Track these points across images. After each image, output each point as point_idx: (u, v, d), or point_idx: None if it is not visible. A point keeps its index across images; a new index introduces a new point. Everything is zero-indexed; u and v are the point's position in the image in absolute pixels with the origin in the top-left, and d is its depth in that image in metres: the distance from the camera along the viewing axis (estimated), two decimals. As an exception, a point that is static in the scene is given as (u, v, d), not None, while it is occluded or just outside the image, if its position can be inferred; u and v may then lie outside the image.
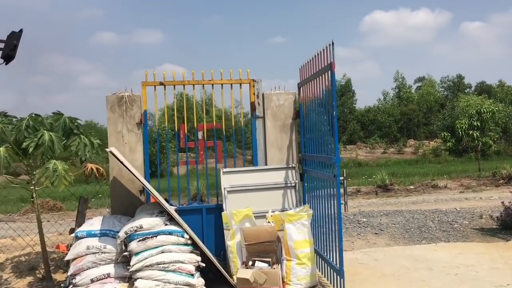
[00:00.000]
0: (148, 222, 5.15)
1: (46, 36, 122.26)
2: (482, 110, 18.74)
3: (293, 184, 6.33)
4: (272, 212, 5.93)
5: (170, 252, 5.10)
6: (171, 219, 5.31)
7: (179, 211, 6.01)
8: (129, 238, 5.13)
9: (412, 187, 17.14)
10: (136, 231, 5.10)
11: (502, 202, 8.66)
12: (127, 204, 6.05)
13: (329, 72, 4.99)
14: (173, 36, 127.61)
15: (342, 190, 5.28)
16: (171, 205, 6.19)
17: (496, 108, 19.15)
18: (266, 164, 6.50)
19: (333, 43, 4.84)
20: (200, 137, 6.50)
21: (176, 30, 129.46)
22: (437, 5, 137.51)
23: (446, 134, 18.77)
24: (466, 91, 65.56)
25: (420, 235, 8.35)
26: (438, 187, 16.68)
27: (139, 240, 5.08)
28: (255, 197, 6.24)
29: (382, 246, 7.55)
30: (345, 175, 5.21)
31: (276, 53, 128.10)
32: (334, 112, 4.94)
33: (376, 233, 8.67)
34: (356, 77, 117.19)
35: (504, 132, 38.87)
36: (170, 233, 5.16)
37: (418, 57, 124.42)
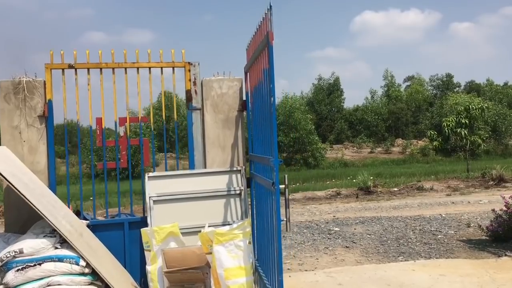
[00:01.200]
0: (31, 245, 3.91)
1: (35, 36, 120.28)
2: (470, 107, 17.63)
3: (238, 192, 5.11)
4: (209, 227, 4.70)
5: (59, 285, 3.86)
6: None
7: (92, 226, 4.76)
8: (6, 267, 3.88)
9: (396, 189, 16.02)
10: (14, 257, 3.85)
11: (493, 210, 7.51)
12: (25, 218, 4.77)
13: (267, 46, 3.73)
14: (162, 36, 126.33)
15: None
16: (84, 218, 4.95)
17: (486, 105, 18.01)
18: (205, 167, 5.27)
19: (271, 7, 3.60)
20: (121, 133, 5.22)
21: (166, 29, 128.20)
22: (427, 6, 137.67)
23: (433, 133, 17.64)
24: (455, 90, 64.93)
25: (398, 249, 7.17)
26: (423, 189, 15.59)
27: (18, 270, 3.83)
28: (189, 209, 5.01)
29: (351, 264, 6.36)
30: (286, 182, 3.95)
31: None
32: (272, 99, 3.70)
33: (347, 247, 7.48)
34: (347, 77, 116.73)
35: (493, 131, 38.06)
36: (60, 259, 3.91)
37: (407, 57, 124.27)
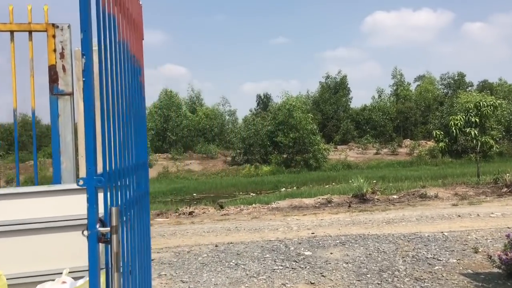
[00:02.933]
0: None
1: None
2: (481, 104, 15.62)
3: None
4: (69, 273, 2.86)
5: None
6: None
7: None
8: None
9: (395, 196, 14.09)
10: None
11: (508, 236, 5.60)
12: None
13: None
14: (174, 36, 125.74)
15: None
16: None
17: (499, 102, 15.97)
18: (78, 177, 3.45)
19: None
20: None
21: (178, 30, 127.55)
22: (439, 5, 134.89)
23: (439, 133, 15.62)
24: (467, 89, 62.50)
25: (377, 290, 5.29)
26: (426, 197, 13.65)
27: None
28: (36, 246, 3.19)
29: (305, 317, 4.50)
30: (114, 223, 2.13)
31: (279, 53, 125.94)
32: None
33: (312, 283, 5.62)
34: (358, 78, 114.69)
35: (507, 132, 35.82)
36: None
37: (419, 58, 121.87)
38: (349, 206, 12.92)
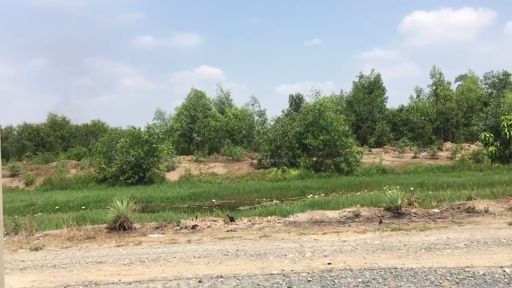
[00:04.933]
0: None
1: (88, 39, 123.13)
2: (540, 101, 13.21)
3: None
4: None
5: None
6: None
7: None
8: None
9: (436, 210, 11.91)
10: None
11: None
12: None
13: None
14: (210, 39, 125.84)
15: None
16: None
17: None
18: None
19: None
20: None
21: (213, 32, 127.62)
22: (481, 4, 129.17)
23: (488, 135, 13.28)
24: (513, 88, 58.51)
25: None
26: (474, 211, 11.42)
27: None
28: None
29: None
30: None
31: (314, 55, 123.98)
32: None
33: None
34: (394, 79, 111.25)
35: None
36: None
37: (458, 58, 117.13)
38: (380, 222, 10.85)
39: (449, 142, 46.16)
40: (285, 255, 7.49)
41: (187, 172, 33.40)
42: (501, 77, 63.37)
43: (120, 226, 10.78)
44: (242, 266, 6.89)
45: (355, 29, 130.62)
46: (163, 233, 10.54)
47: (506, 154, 25.47)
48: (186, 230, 10.92)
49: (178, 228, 11.20)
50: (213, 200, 23.40)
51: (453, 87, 65.23)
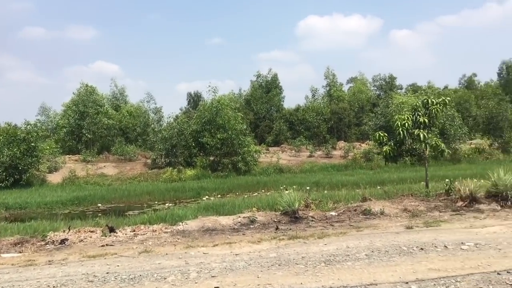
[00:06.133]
0: None
1: None
2: (429, 101, 13.39)
3: None
4: None
5: None
6: None
7: None
8: None
9: (334, 213, 11.39)
10: None
11: None
12: None
13: None
14: (106, 33, 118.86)
15: None
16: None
17: (448, 98, 13.82)
18: None
19: None
20: None
21: (110, 27, 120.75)
22: (369, 11, 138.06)
23: (382, 135, 13.14)
24: (399, 91, 62.79)
25: None
26: (371, 213, 11.07)
27: None
28: None
29: None
30: None
31: (215, 53, 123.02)
32: None
33: None
34: (291, 80, 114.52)
35: (441, 134, 34.89)
36: None
37: (350, 62, 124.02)
38: (277, 228, 10.02)
39: (342, 141, 47.81)
40: (165, 278, 6.24)
41: (72, 173, 30.40)
42: (387, 79, 67.57)
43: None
44: (107, 298, 5.52)
45: (255, 30, 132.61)
46: (21, 252, 8.71)
47: (399, 154, 26.41)
48: (53, 246, 9.17)
49: (43, 243, 9.40)
50: (99, 205, 21.27)
51: (345, 88, 68.28)
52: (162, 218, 13.54)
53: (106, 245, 9.00)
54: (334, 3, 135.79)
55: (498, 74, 76.29)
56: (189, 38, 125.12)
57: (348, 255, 7.07)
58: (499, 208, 11.41)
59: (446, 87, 70.47)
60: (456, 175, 25.39)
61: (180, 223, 10.86)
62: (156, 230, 10.35)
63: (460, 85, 76.32)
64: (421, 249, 7.25)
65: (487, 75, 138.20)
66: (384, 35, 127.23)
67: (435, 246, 7.39)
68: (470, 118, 50.54)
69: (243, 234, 9.57)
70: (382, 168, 33.24)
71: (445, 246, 7.36)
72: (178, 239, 9.33)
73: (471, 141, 40.32)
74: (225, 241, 8.77)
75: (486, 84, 74.42)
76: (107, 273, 6.62)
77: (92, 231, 10.50)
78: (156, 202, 21.83)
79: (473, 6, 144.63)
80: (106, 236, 9.89)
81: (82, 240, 9.53)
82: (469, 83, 76.32)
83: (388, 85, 66.57)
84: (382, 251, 7.22)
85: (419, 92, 47.80)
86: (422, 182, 22.07)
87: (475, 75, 78.73)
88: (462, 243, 7.55)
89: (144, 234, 10.09)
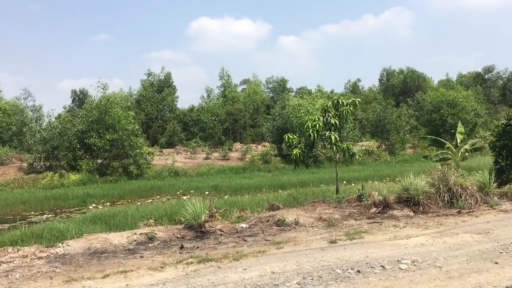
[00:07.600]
0: None
1: None
2: (340, 102, 12.76)
3: None
4: None
5: None
6: None
7: None
8: None
9: (245, 225, 10.12)
10: None
11: None
12: None
13: None
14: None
15: None
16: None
17: (358, 99, 13.36)
18: None
19: None
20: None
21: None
22: (258, 17, 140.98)
23: (291, 137, 12.20)
24: (291, 94, 64.16)
25: None
26: (285, 224, 10.02)
27: None
28: None
29: None
30: None
31: (101, 50, 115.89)
32: None
33: None
34: (184, 81, 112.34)
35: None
36: None
37: (242, 65, 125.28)
38: (182, 247, 8.47)
39: (238, 143, 47.15)
40: None
41: None
42: (280, 82, 68.81)
43: None
44: None
45: (145, 29, 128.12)
46: None
47: (289, 154, 25.98)
48: None
49: None
50: (-43, 219, 17.79)
51: (239, 89, 68.13)
52: (39, 234, 11.38)
53: (-47, 282, 6.75)
54: (225, 7, 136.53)
55: (379, 80, 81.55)
56: (72, 32, 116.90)
57: (277, 284, 5.79)
58: (412, 214, 11.06)
59: (332, 91, 73.57)
60: (351, 176, 25.81)
61: (60, 244, 8.79)
62: (27, 256, 8.20)
63: (346, 90, 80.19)
64: (358, 271, 6.22)
65: (370, 81, 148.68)
66: (273, 40, 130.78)
67: (372, 267, 6.41)
68: (357, 121, 52.95)
69: (141, 257, 7.88)
70: (280, 171, 32.99)
71: (382, 267, 6.42)
72: (57, 267, 7.36)
73: (362, 143, 41.97)
74: (119, 269, 7.01)
75: (369, 89, 79.23)
76: None
77: None
78: (32, 213, 18.91)
79: (353, 17, 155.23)
80: (-44, 268, 7.55)
81: None
82: (354, 88, 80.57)
83: (281, 87, 67.76)
84: (314, 276, 6.06)
85: (313, 95, 48.86)
86: (323, 185, 21.92)
87: (359, 80, 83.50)
88: (398, 261, 6.67)
89: (10, 261, 7.91)
